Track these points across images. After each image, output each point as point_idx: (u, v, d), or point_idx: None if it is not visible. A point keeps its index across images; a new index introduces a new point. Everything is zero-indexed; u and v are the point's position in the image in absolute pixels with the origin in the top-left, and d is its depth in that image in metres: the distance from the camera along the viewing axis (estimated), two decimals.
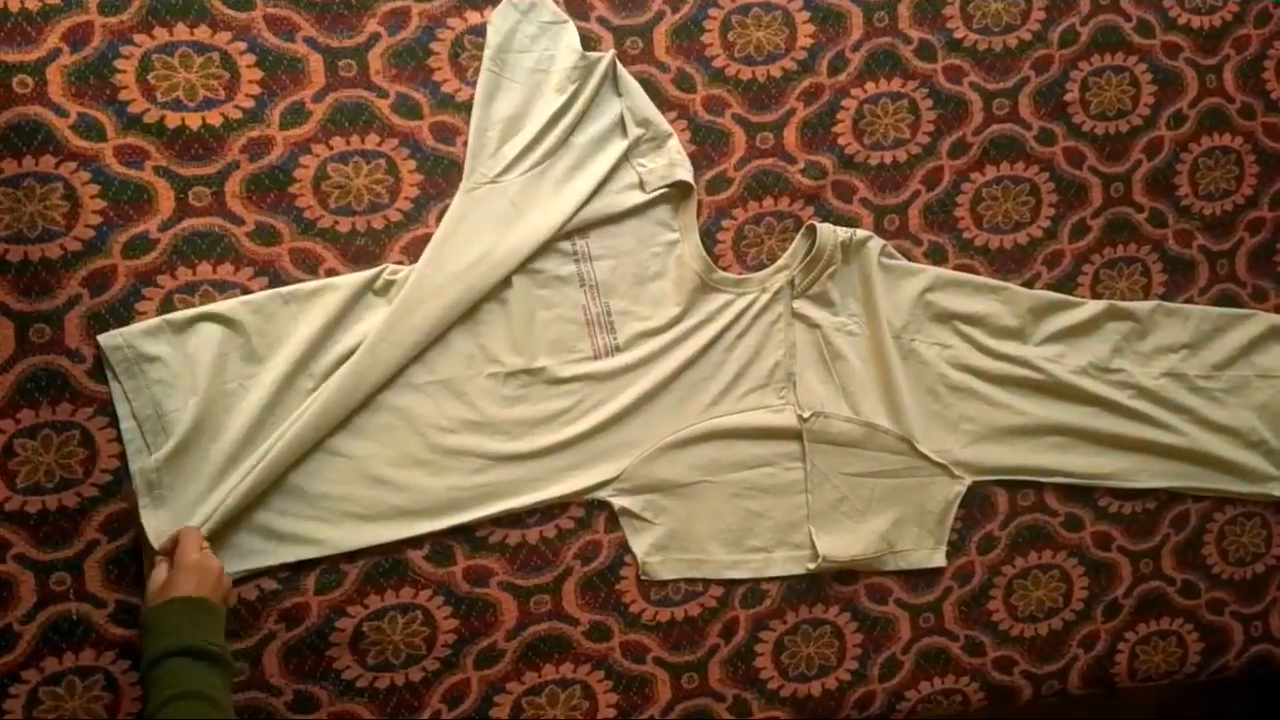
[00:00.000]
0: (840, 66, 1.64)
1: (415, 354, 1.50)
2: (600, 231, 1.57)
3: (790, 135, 1.63)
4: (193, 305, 1.45)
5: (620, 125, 1.57)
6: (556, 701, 1.58)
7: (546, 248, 1.54)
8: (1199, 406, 1.76)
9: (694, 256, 1.58)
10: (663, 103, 1.59)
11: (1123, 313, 1.74)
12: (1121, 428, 1.72)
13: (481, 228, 1.51)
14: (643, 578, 1.59)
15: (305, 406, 1.45)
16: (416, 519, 1.51)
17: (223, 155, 1.46)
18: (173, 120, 1.44)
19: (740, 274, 1.63)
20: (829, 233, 1.62)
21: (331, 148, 1.49)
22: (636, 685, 1.60)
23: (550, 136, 1.53)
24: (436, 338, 1.51)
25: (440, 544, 1.53)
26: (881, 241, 1.65)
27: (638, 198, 1.57)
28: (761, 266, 1.64)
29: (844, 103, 1.65)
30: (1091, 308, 1.72)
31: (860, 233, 1.64)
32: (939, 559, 1.68)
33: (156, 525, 1.40)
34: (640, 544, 1.59)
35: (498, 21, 1.53)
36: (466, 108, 1.53)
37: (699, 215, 1.61)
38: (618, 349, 1.58)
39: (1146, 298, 1.76)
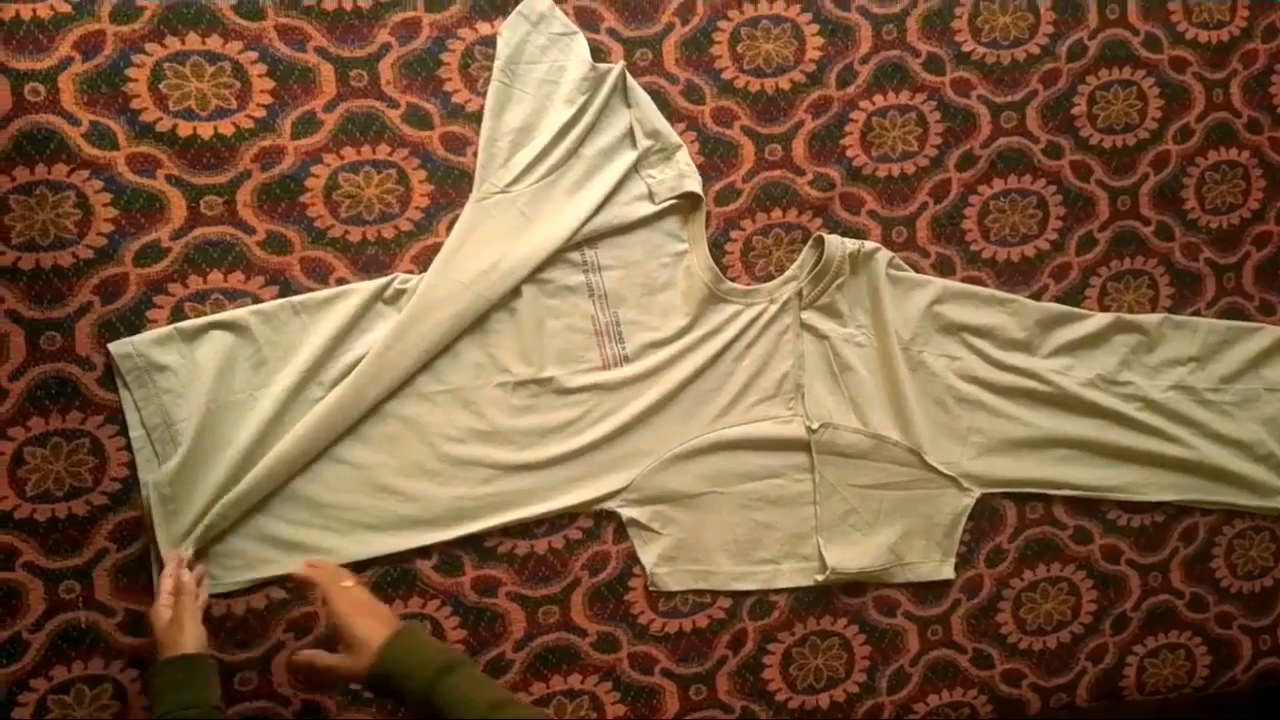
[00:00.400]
0: (849, 79, 1.65)
1: (424, 362, 1.50)
2: (609, 242, 1.57)
3: (799, 147, 1.64)
4: (204, 313, 1.45)
5: (630, 136, 1.57)
6: (564, 712, 1.57)
7: (555, 258, 1.54)
8: (1207, 419, 1.76)
9: (702, 267, 1.59)
10: (672, 114, 1.59)
11: (1130, 325, 1.74)
12: (1130, 440, 1.72)
13: (491, 237, 1.51)
14: (651, 589, 1.59)
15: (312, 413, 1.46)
16: (425, 529, 1.51)
17: (234, 164, 1.46)
18: (185, 129, 1.44)
19: (748, 285, 1.63)
20: (837, 244, 1.62)
21: (342, 157, 1.49)
22: (644, 696, 1.60)
23: (560, 147, 1.53)
24: (445, 347, 1.51)
25: (449, 554, 1.53)
26: (889, 253, 1.65)
27: (647, 209, 1.57)
28: (770, 278, 1.64)
29: (852, 115, 1.65)
30: (1099, 320, 1.72)
31: (868, 244, 1.64)
32: (947, 571, 1.68)
33: (169, 539, 1.40)
34: (648, 555, 1.59)
35: (508, 33, 1.53)
36: (477, 118, 1.53)
37: (707, 226, 1.61)
38: (626, 359, 1.57)
39: (1154, 310, 1.76)
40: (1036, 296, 1.72)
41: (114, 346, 1.41)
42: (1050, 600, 1.72)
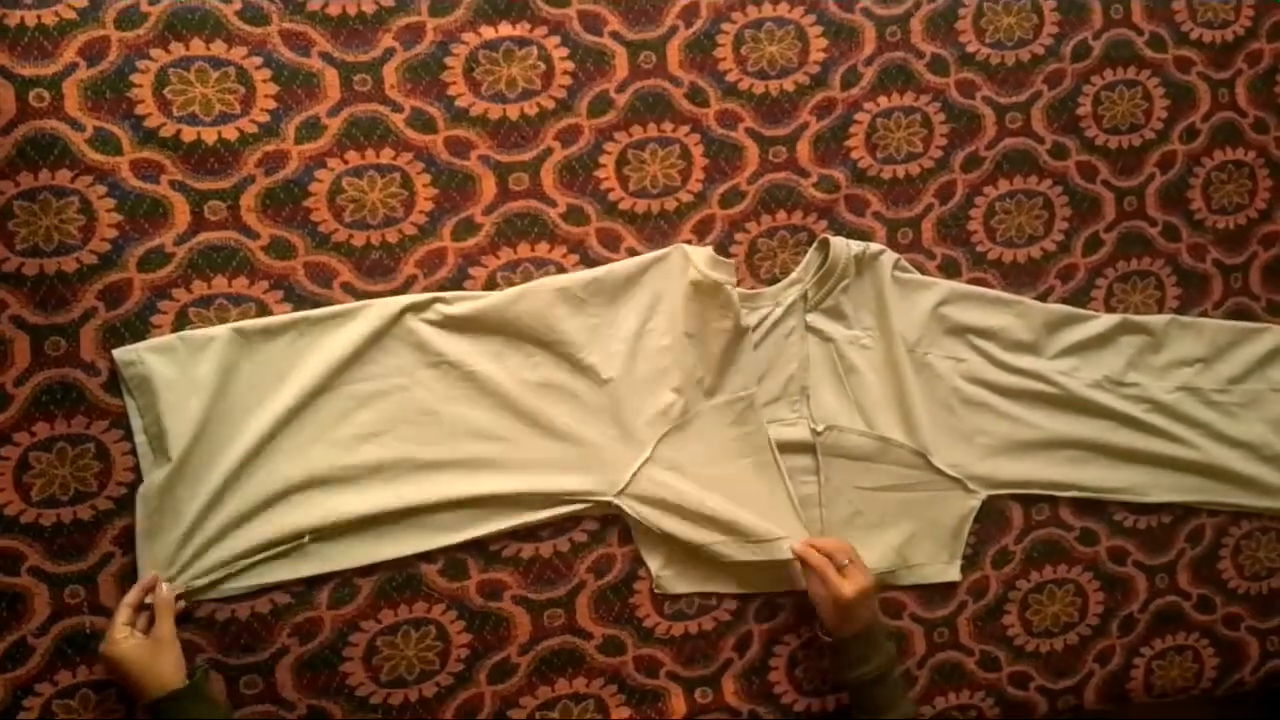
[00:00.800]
0: (853, 80, 1.65)
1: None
2: None
3: (803, 149, 1.64)
4: (208, 318, 1.45)
5: None
6: (570, 716, 1.57)
7: None
8: (1214, 420, 1.75)
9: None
10: (676, 116, 1.59)
11: (1137, 326, 1.73)
12: (1136, 442, 1.72)
13: None
14: (656, 591, 1.59)
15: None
16: (429, 532, 1.51)
17: (238, 169, 1.46)
18: (188, 134, 1.44)
19: (753, 288, 1.63)
20: (842, 246, 1.61)
21: (346, 162, 1.49)
22: (650, 699, 1.59)
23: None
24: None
25: (453, 558, 1.53)
26: (895, 255, 1.64)
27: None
28: (775, 280, 1.64)
29: (857, 117, 1.65)
30: (1105, 321, 1.72)
31: (873, 246, 1.64)
32: (953, 573, 1.68)
33: (152, 552, 1.41)
34: (654, 558, 1.58)
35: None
36: (480, 122, 1.53)
37: (711, 229, 1.61)
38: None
39: (1160, 311, 1.76)
40: (1043, 298, 1.71)
41: (118, 353, 1.41)
42: (1057, 602, 1.72)
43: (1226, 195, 1.77)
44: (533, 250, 1.56)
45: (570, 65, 1.56)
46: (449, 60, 1.52)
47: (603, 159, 1.58)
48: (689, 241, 1.60)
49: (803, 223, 1.64)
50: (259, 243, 1.47)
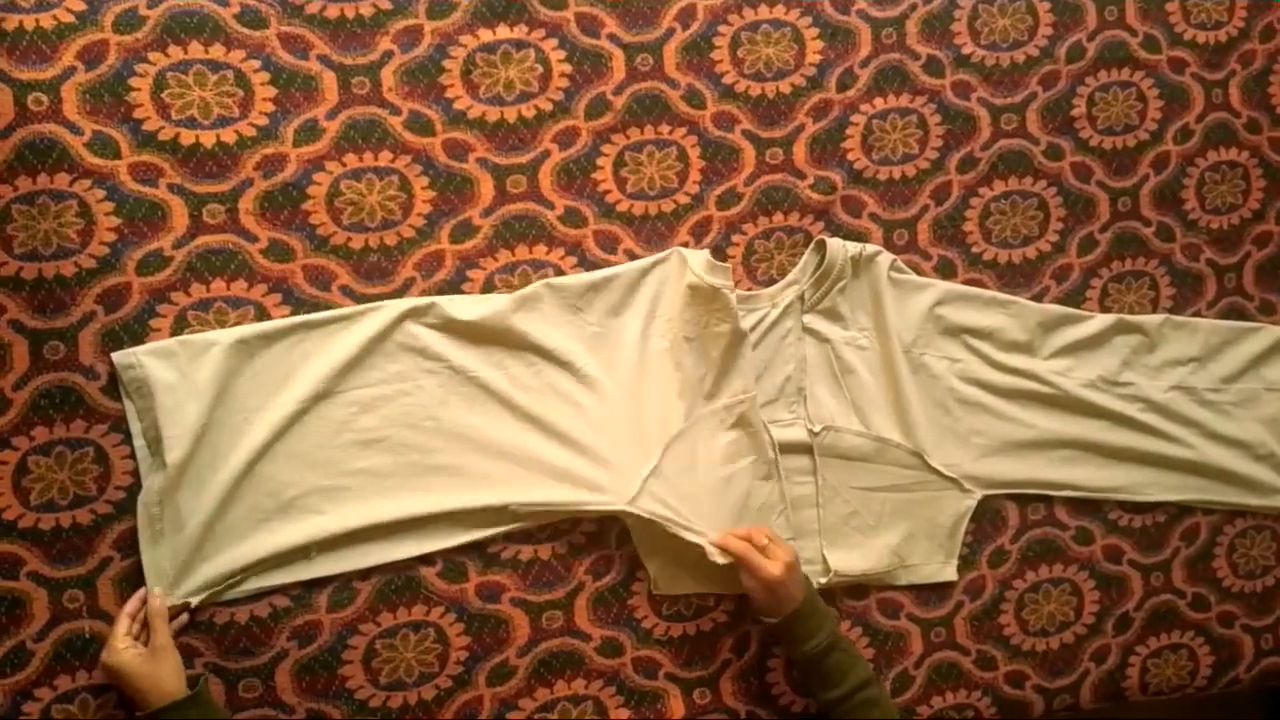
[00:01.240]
0: (849, 82, 1.65)
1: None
2: None
3: (800, 151, 1.64)
4: (207, 322, 1.45)
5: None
6: (569, 717, 1.57)
7: None
8: (1208, 420, 1.76)
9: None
10: (673, 118, 1.60)
11: (1131, 326, 1.74)
12: (1131, 441, 1.73)
13: None
14: (654, 593, 1.59)
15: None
16: (429, 536, 1.51)
17: (237, 172, 1.46)
18: (187, 138, 1.44)
19: (750, 289, 1.63)
20: (839, 247, 1.62)
21: (345, 165, 1.49)
22: (649, 701, 1.60)
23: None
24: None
25: (452, 560, 1.53)
26: (891, 256, 1.65)
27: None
28: (771, 281, 1.64)
29: (853, 118, 1.65)
30: (1100, 321, 1.73)
31: (870, 247, 1.64)
32: (950, 573, 1.68)
33: (155, 560, 1.41)
34: (651, 560, 1.59)
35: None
36: (478, 124, 1.54)
37: (708, 231, 1.61)
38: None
39: (1155, 311, 1.77)
40: (1038, 298, 1.72)
41: (117, 356, 1.41)
42: (1053, 601, 1.73)
43: (1220, 195, 1.78)
44: (531, 252, 1.56)
45: (568, 68, 1.56)
46: (447, 63, 1.53)
47: (600, 161, 1.58)
48: (686, 243, 1.61)
49: (799, 224, 1.65)
50: (258, 246, 1.47)
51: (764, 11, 1.62)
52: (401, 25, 1.51)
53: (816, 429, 1.62)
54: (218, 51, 1.45)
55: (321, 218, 1.49)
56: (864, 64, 1.65)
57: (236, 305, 1.46)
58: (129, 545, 1.42)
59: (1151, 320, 1.75)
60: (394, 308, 1.49)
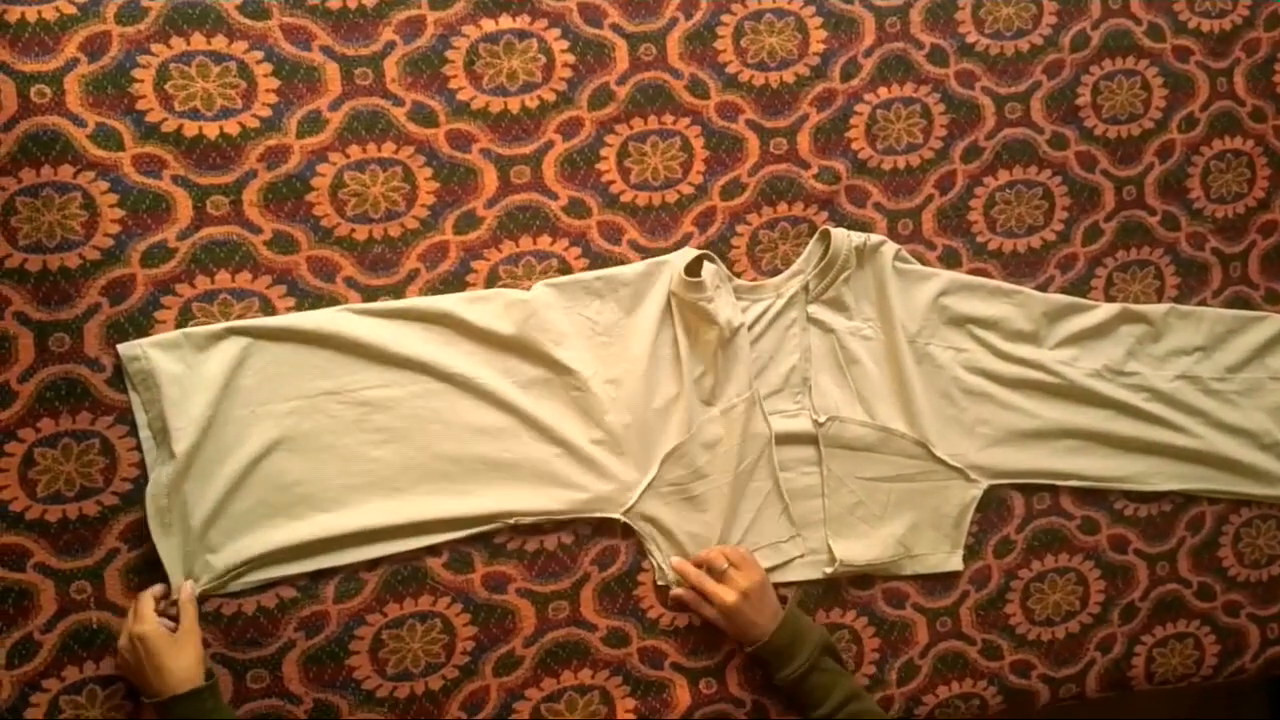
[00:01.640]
0: (853, 72, 1.65)
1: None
2: None
3: (804, 140, 1.64)
4: (211, 313, 1.45)
5: None
6: (575, 707, 1.57)
7: None
8: (1213, 409, 1.76)
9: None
10: (676, 108, 1.59)
11: (1136, 316, 1.74)
12: (1136, 430, 1.73)
13: None
14: (660, 583, 1.59)
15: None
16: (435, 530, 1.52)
17: (240, 164, 1.46)
18: (190, 129, 1.44)
19: (754, 279, 1.63)
20: (843, 237, 1.62)
21: (348, 156, 1.49)
22: (655, 691, 1.60)
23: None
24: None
25: (458, 551, 1.53)
26: (895, 246, 1.65)
27: None
28: (776, 272, 1.64)
29: (857, 108, 1.65)
30: (1105, 311, 1.72)
31: (874, 237, 1.64)
32: (955, 563, 1.68)
33: (169, 550, 1.41)
34: (657, 550, 1.59)
35: None
36: (481, 115, 1.54)
37: (713, 222, 1.61)
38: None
39: (1160, 300, 1.77)
40: (1043, 287, 1.72)
41: (122, 348, 1.41)
42: (1058, 591, 1.73)
43: (1225, 184, 1.78)
44: (535, 243, 1.56)
45: (571, 58, 1.56)
46: (450, 53, 1.52)
47: (604, 151, 1.58)
48: (690, 234, 1.61)
49: (804, 214, 1.65)
50: (261, 237, 1.47)
51: (767, 1, 1.62)
52: (404, 16, 1.51)
53: (821, 419, 1.62)
54: (220, 43, 1.45)
55: (325, 209, 1.49)
56: (868, 53, 1.65)
57: (241, 297, 1.46)
58: (136, 536, 1.43)
59: (1156, 309, 1.75)
60: (401, 308, 1.50)
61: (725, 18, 1.61)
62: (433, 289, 1.53)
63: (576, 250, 1.57)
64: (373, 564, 1.49)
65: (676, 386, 1.57)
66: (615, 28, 1.57)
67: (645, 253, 1.60)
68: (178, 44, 1.44)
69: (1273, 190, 1.79)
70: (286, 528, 1.46)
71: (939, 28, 1.67)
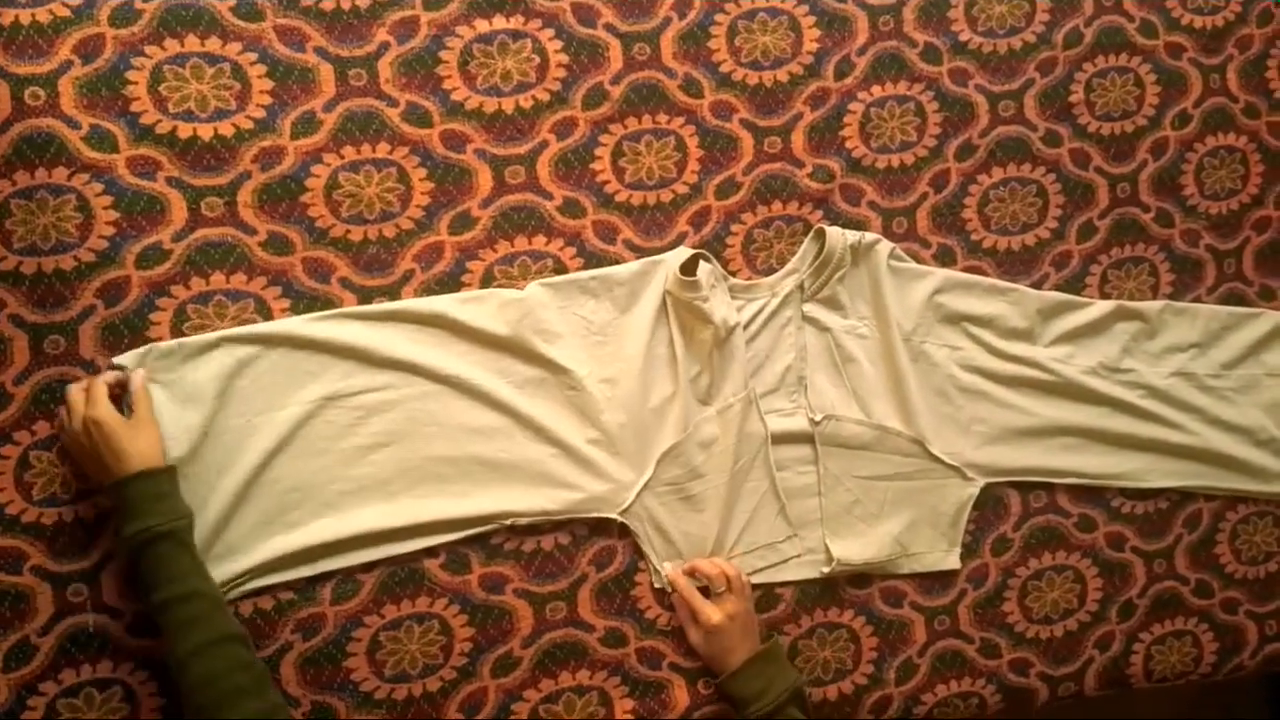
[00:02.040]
0: (846, 70, 1.65)
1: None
2: None
3: (798, 139, 1.64)
4: (207, 314, 1.45)
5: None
6: (573, 708, 1.57)
7: None
8: (1209, 405, 1.76)
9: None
10: (671, 108, 1.60)
11: (1131, 313, 1.74)
12: (1132, 428, 1.73)
13: None
14: (656, 585, 1.59)
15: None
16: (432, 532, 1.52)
17: (234, 165, 1.46)
18: (184, 131, 1.44)
19: (749, 279, 1.63)
20: (838, 236, 1.62)
21: (343, 157, 1.49)
22: (653, 691, 1.60)
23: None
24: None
25: (455, 552, 1.52)
26: (890, 244, 1.65)
27: None
28: (771, 271, 1.64)
29: (851, 106, 1.65)
30: (1100, 308, 1.73)
31: (869, 236, 1.64)
32: (953, 561, 1.68)
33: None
34: (654, 551, 1.58)
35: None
36: (475, 115, 1.54)
37: (708, 221, 1.61)
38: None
39: (1155, 297, 1.77)
40: (1038, 285, 1.72)
41: (119, 360, 1.40)
42: (1056, 588, 1.73)
43: (1219, 181, 1.78)
44: (530, 243, 1.56)
45: (564, 58, 1.56)
46: (443, 54, 1.53)
47: (598, 151, 1.58)
48: (685, 233, 1.61)
49: (798, 213, 1.65)
50: (256, 239, 1.47)
51: (760, 0, 1.62)
52: (398, 17, 1.51)
53: (818, 418, 1.62)
54: (214, 44, 1.45)
55: (320, 210, 1.49)
56: (861, 51, 1.65)
57: (236, 298, 1.46)
58: None
59: (1151, 306, 1.75)
60: (396, 310, 1.50)
61: (719, 17, 1.61)
62: (428, 289, 1.52)
63: (571, 250, 1.57)
64: (369, 566, 1.49)
65: (672, 386, 1.58)
66: (609, 28, 1.57)
67: (640, 252, 1.60)
68: (172, 46, 1.44)
69: (1266, 186, 1.79)
70: (284, 535, 1.46)
71: (932, 26, 1.67)
